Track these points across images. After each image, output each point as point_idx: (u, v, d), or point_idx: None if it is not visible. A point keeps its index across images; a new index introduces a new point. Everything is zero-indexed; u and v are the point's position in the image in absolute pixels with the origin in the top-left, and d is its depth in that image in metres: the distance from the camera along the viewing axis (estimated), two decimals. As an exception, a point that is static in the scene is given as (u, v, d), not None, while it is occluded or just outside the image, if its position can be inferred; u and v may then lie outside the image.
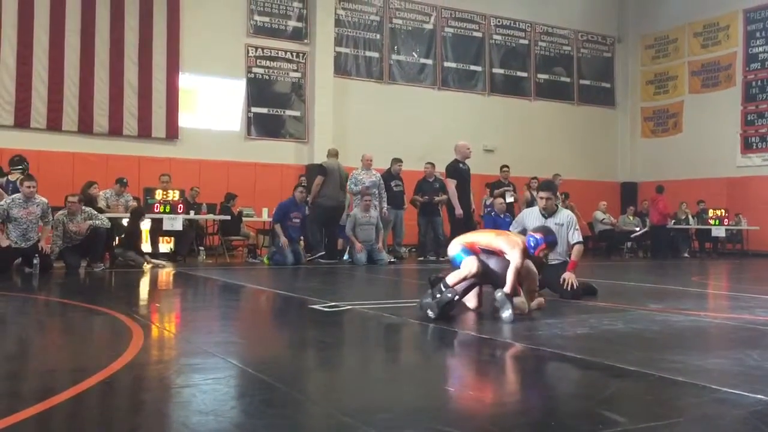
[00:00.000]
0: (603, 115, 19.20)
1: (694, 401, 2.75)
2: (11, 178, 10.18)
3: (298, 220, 11.10)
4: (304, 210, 11.29)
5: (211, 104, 14.42)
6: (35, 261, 8.60)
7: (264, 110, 14.91)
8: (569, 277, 6.03)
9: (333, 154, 12.06)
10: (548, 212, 6.32)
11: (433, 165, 12.45)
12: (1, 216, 8.78)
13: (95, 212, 9.73)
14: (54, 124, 12.86)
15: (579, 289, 6.08)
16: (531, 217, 6.42)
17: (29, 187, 8.91)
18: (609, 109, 19.38)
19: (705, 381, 2.95)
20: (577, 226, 6.36)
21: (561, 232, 6.24)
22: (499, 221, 11.73)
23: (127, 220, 10.45)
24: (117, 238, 10.28)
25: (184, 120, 14.05)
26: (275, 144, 14.90)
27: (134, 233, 10.12)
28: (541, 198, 6.34)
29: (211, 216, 12.11)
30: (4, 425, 2.22)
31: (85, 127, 13.10)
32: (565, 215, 6.35)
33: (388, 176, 12.24)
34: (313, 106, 15.09)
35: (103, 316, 5.12)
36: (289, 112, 15.14)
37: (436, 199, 12.29)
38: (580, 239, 6.30)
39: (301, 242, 11.27)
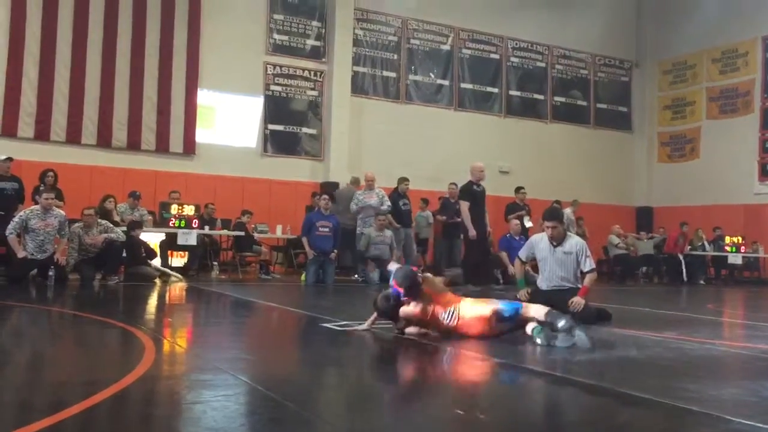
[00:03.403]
0: (619, 140, 19.16)
1: (708, 431, 2.71)
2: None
3: (326, 229, 10.99)
4: (334, 220, 11.23)
5: (229, 120, 14.54)
6: (51, 273, 8.67)
7: (281, 127, 15.00)
8: (577, 301, 6.00)
9: (352, 182, 12.65)
10: (556, 241, 6.30)
11: (456, 186, 12.45)
12: (20, 226, 8.88)
13: (111, 225, 9.82)
14: (73, 137, 13.00)
15: (591, 314, 6.04)
16: (540, 245, 6.42)
17: (47, 198, 9.02)
18: (625, 134, 19.33)
19: (719, 411, 2.91)
20: (589, 253, 6.33)
21: (569, 261, 6.24)
22: (515, 243, 11.69)
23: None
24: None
25: (202, 136, 14.16)
26: (291, 161, 14.98)
27: (132, 246, 10.10)
28: (547, 227, 6.29)
29: (225, 232, 12.20)
30: (16, 437, 2.23)
31: (104, 140, 13.24)
32: (574, 243, 6.32)
33: (397, 196, 12.26)
34: (329, 125, 15.17)
35: (115, 330, 5.14)
36: (305, 130, 15.23)
37: (446, 219, 12.46)
38: (593, 266, 6.28)
39: (334, 254, 11.03)
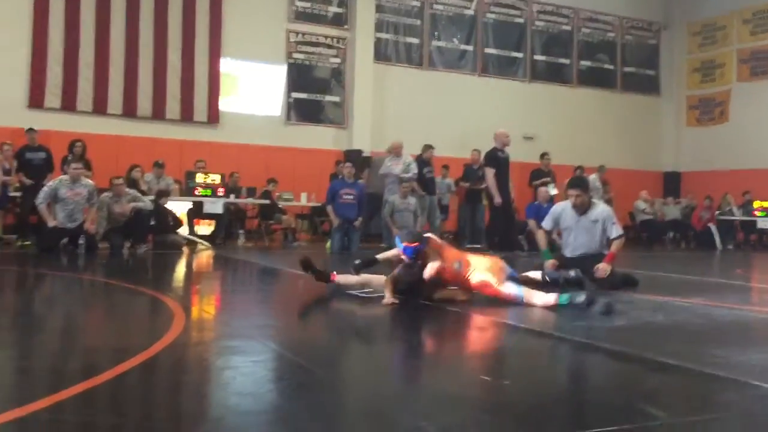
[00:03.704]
0: (647, 104, 18.83)
1: (736, 397, 2.71)
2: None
3: (350, 197, 11.01)
4: (360, 188, 11.21)
5: (252, 89, 14.52)
6: (81, 241, 8.83)
7: (304, 95, 14.96)
8: (603, 267, 5.95)
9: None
10: (580, 209, 6.19)
11: (478, 152, 12.40)
12: (50, 196, 9.03)
13: (139, 195, 9.94)
14: (99, 107, 13.09)
15: (617, 280, 6.00)
16: (565, 213, 6.31)
17: (75, 168, 9.15)
18: (653, 97, 18.99)
19: (747, 377, 2.90)
20: (615, 219, 6.26)
21: (595, 229, 6.16)
22: (543, 211, 11.59)
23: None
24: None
25: (225, 104, 14.18)
26: (314, 129, 14.96)
27: (161, 214, 10.21)
28: (571, 195, 6.19)
29: (250, 200, 12.29)
30: (52, 402, 2.29)
31: (130, 110, 13.32)
32: (599, 211, 6.22)
33: (421, 163, 12.19)
34: (352, 92, 15.10)
35: (145, 297, 5.23)
36: (328, 98, 15.17)
37: (470, 185, 12.49)
38: (621, 232, 6.21)
39: (358, 222, 10.97)
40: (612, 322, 4.34)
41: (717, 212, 15.53)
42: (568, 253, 6.35)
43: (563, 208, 6.38)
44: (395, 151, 11.74)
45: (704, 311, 4.92)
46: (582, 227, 6.20)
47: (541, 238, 6.58)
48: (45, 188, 9.12)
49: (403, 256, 4.92)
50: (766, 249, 15.55)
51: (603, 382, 3.08)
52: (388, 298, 4.82)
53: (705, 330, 4.22)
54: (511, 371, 3.24)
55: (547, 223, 6.51)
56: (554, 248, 6.76)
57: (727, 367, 3.06)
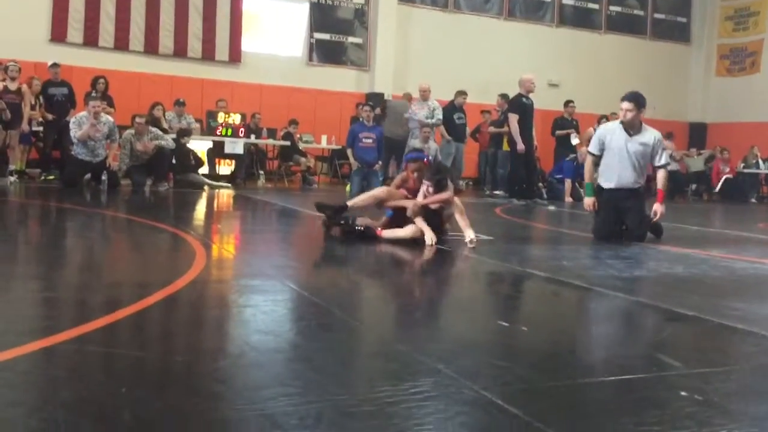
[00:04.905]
0: (676, 52, 18.38)
1: (753, 350, 2.71)
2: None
3: (370, 140, 10.97)
4: (378, 131, 11.16)
5: (274, 29, 14.35)
6: (103, 177, 8.92)
7: (326, 36, 14.77)
8: (662, 211, 5.69)
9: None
10: (633, 129, 5.66)
11: (502, 97, 12.23)
12: (78, 126, 9.11)
13: (161, 133, 9.97)
14: (121, 43, 13.03)
15: (647, 227, 5.84)
16: (614, 135, 5.73)
17: (94, 107, 9.16)
18: (683, 46, 18.53)
19: (765, 329, 2.89)
20: (665, 147, 5.91)
21: (643, 154, 5.69)
22: (581, 170, 11.47)
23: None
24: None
25: (247, 44, 14.05)
26: (336, 71, 14.81)
27: (182, 154, 10.24)
28: (623, 110, 5.58)
29: (270, 141, 12.27)
30: (78, 333, 2.34)
31: (151, 47, 13.24)
32: (651, 135, 5.70)
33: (452, 108, 12.06)
34: (375, 34, 14.87)
35: (167, 234, 5.30)
36: (351, 39, 14.97)
37: (492, 130, 12.43)
38: (668, 162, 5.90)
39: (378, 165, 10.98)
40: (632, 272, 4.34)
41: (742, 164, 15.30)
42: (602, 181, 5.89)
43: (612, 128, 5.88)
44: (422, 95, 11.61)
45: (724, 264, 4.90)
46: (630, 151, 5.67)
47: (588, 168, 6.04)
48: (71, 125, 9.14)
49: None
50: (790, 203, 15.36)
51: (620, 331, 3.09)
52: (431, 235, 4.96)
53: (724, 283, 4.21)
54: (529, 318, 3.26)
55: (593, 147, 5.91)
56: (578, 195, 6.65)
57: (745, 320, 3.05)
